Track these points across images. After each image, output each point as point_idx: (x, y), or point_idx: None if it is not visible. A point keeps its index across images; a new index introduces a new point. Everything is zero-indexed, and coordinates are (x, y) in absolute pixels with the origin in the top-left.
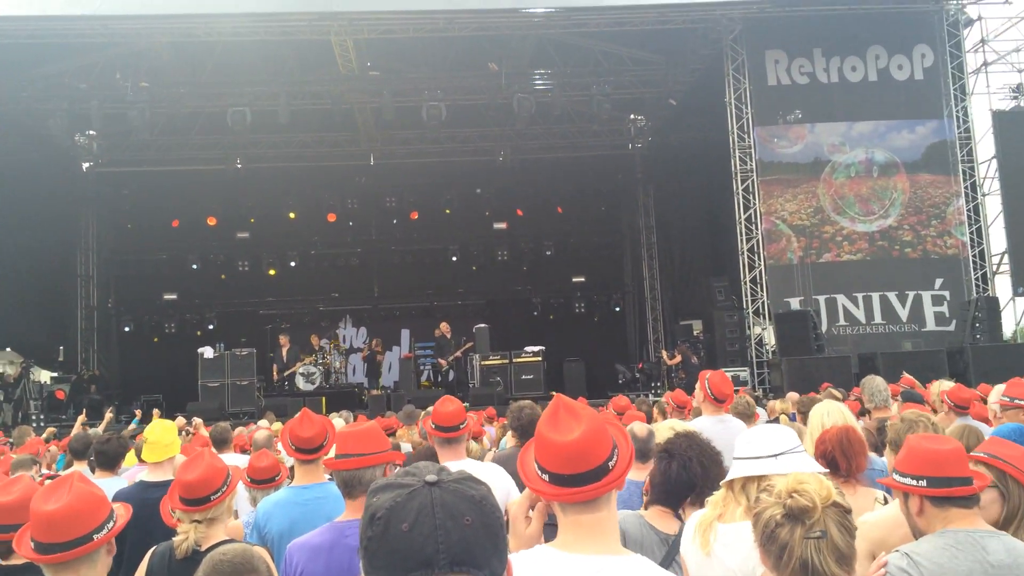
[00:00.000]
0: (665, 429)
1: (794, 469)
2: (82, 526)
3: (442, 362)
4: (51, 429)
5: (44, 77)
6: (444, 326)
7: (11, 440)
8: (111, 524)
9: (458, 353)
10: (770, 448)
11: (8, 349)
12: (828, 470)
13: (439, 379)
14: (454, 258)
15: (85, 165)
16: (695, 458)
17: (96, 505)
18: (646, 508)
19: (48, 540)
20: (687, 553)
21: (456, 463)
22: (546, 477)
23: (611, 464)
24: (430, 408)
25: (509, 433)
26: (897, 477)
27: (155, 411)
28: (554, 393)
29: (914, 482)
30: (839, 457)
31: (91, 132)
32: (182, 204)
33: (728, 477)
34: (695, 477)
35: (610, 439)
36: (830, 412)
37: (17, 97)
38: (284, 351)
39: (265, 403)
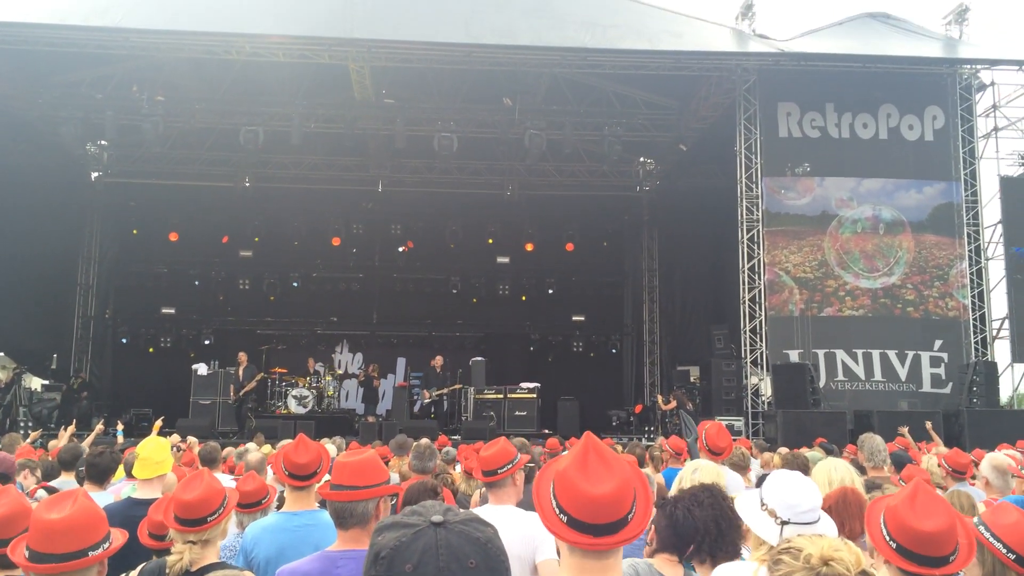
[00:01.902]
0: (690, 472)
1: (830, 527)
2: (79, 541)
3: (425, 393)
4: (35, 434)
5: (60, 85)
6: (438, 360)
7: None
8: (107, 544)
9: (444, 390)
10: (813, 513)
11: (1, 354)
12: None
13: (432, 409)
14: (454, 290)
15: (94, 175)
16: (702, 504)
17: (96, 523)
18: (651, 556)
19: (44, 550)
20: None
21: (501, 508)
22: (564, 519)
23: (630, 516)
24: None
25: None
26: (880, 525)
27: (157, 423)
28: (587, 432)
29: (887, 539)
30: (833, 517)
31: (103, 142)
32: (188, 219)
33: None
34: (698, 523)
35: (632, 491)
36: (836, 468)
37: (32, 103)
38: (241, 369)
39: (256, 424)
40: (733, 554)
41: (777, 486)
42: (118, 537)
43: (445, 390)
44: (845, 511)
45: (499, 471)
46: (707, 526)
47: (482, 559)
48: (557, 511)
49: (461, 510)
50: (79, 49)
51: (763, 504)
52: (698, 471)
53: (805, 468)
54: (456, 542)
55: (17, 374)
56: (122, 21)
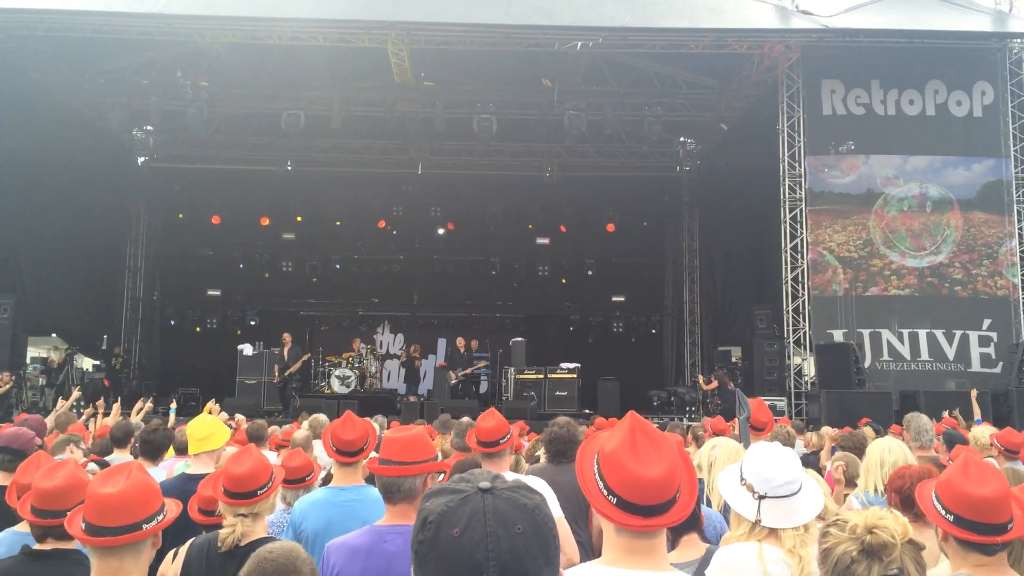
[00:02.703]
0: (708, 448)
1: (813, 498)
2: (134, 514)
3: (452, 375)
4: (89, 410)
5: (107, 72)
6: (461, 340)
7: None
8: (161, 517)
9: (468, 370)
10: (790, 486)
11: (54, 335)
12: (900, 507)
13: (460, 388)
14: (494, 271)
15: (140, 159)
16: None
17: (150, 495)
18: (675, 541)
19: (99, 523)
20: None
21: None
22: (614, 500)
23: (678, 496)
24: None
25: (542, 448)
26: (933, 500)
27: (207, 406)
28: (631, 412)
29: (943, 513)
30: (918, 498)
31: (148, 127)
32: (231, 202)
33: (777, 523)
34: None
35: (680, 470)
36: (891, 449)
37: (80, 89)
38: (286, 350)
39: (299, 403)
40: None
41: (754, 460)
42: (172, 509)
43: (470, 370)
44: None
45: (500, 442)
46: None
47: (529, 525)
48: (606, 492)
49: (509, 477)
50: (124, 36)
51: (742, 479)
52: (717, 447)
53: (862, 448)
54: (503, 508)
55: (69, 355)
56: (166, 7)
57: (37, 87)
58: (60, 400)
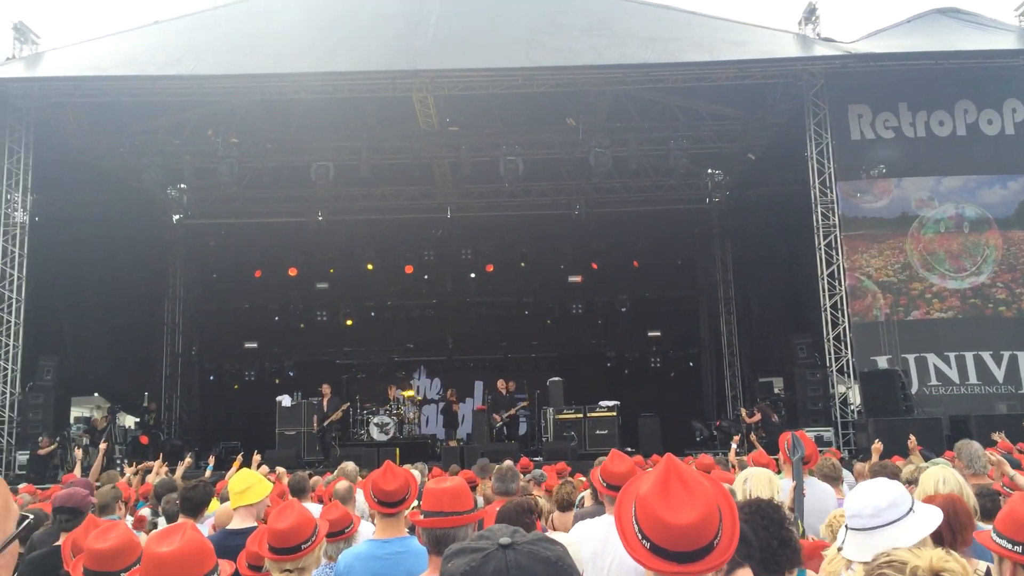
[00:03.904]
0: (741, 482)
1: (914, 534)
2: (190, 572)
3: (496, 417)
4: (129, 470)
5: (140, 133)
6: (501, 382)
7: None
8: (215, 575)
9: (512, 411)
10: (889, 514)
11: (96, 394)
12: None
13: (505, 431)
14: (527, 311)
15: (175, 217)
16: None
17: (206, 554)
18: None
19: None
20: None
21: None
22: (647, 545)
23: (716, 542)
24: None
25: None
26: (994, 536)
27: (236, 460)
28: (667, 454)
29: (1009, 546)
30: (944, 528)
31: (182, 185)
32: (265, 255)
33: (852, 555)
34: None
35: (717, 516)
36: (946, 480)
37: (115, 152)
38: (325, 400)
39: (340, 452)
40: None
41: (853, 491)
42: (226, 568)
43: (513, 410)
44: (956, 520)
45: None
46: (757, 545)
47: None
48: (640, 536)
49: (529, 533)
50: (157, 98)
51: None
52: (749, 480)
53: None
54: (526, 562)
55: (112, 413)
56: (195, 68)
57: (74, 152)
58: (78, 450)
